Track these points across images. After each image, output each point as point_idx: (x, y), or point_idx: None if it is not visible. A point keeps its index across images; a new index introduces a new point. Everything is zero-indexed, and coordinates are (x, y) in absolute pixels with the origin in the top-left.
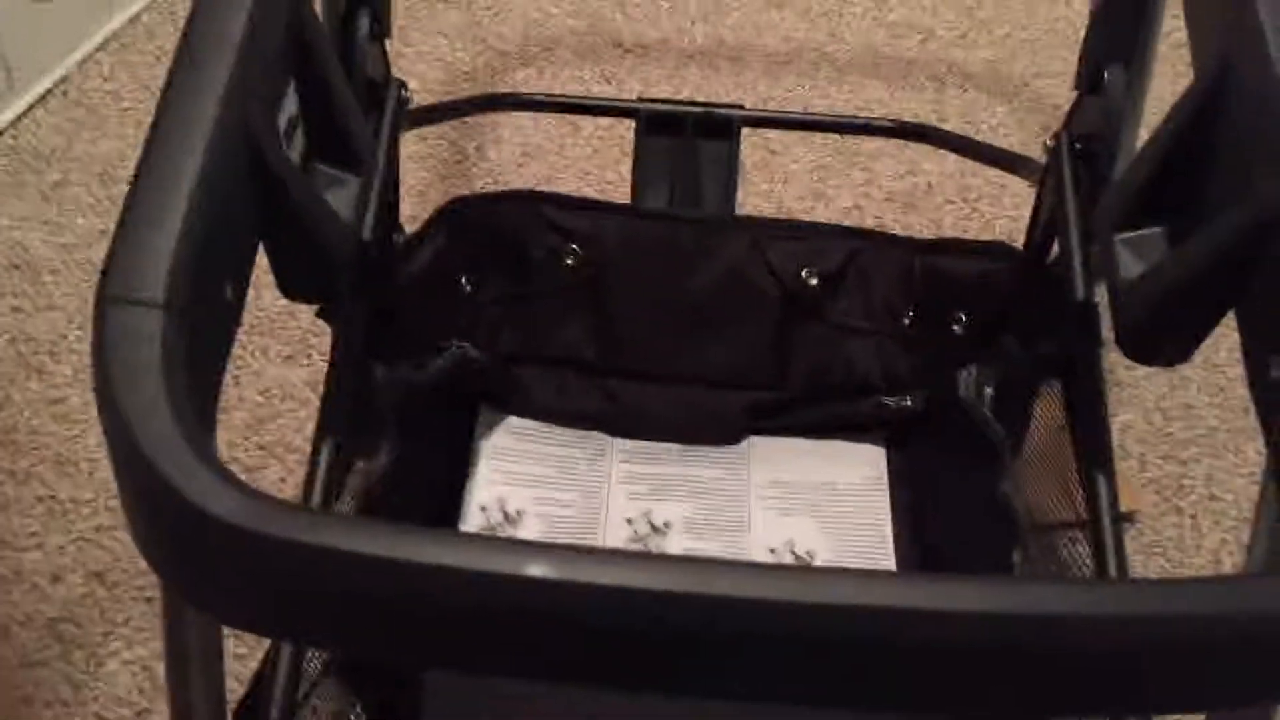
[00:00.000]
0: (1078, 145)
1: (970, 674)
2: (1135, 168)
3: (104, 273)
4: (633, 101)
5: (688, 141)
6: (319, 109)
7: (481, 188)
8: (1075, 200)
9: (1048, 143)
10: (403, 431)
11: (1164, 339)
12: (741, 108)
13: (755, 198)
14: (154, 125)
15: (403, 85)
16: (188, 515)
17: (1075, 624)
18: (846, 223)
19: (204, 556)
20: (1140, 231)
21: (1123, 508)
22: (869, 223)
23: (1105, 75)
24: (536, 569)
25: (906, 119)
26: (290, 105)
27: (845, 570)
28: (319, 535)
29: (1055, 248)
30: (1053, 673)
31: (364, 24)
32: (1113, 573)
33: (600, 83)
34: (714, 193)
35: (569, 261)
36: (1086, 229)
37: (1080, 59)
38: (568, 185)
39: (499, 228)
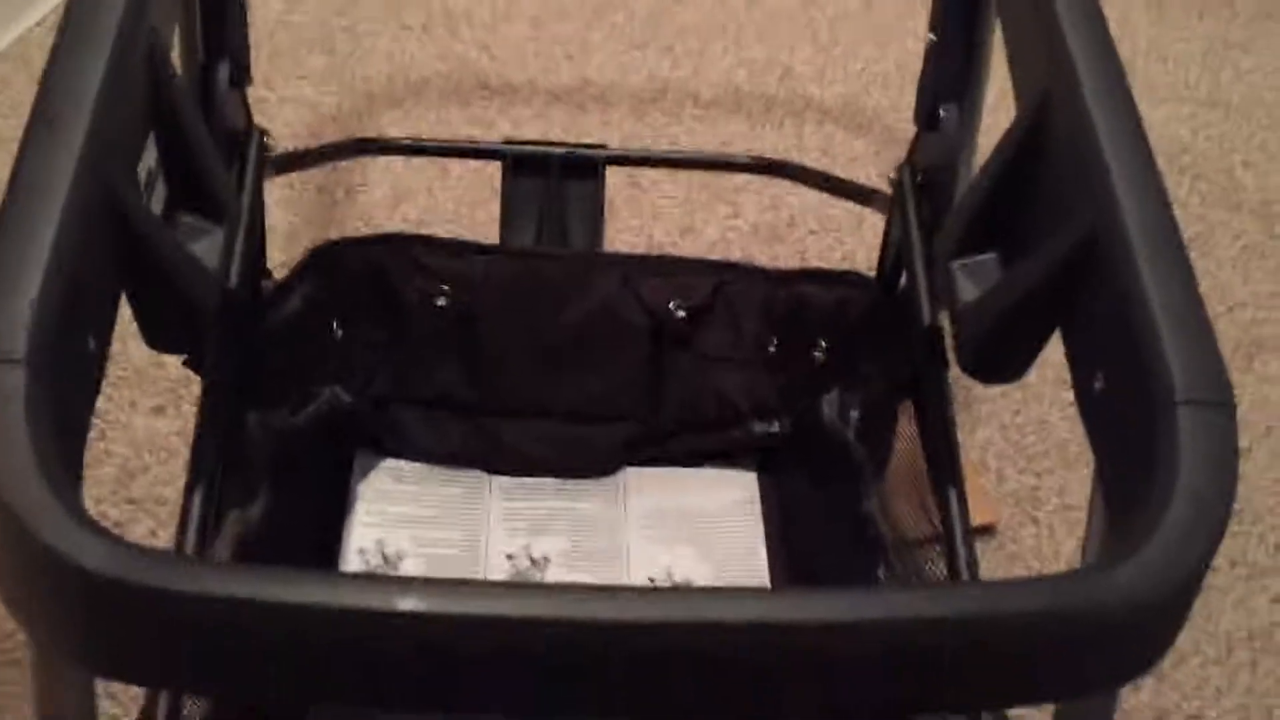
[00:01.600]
0: (919, 178)
1: (822, 680)
2: (968, 197)
3: None
4: (498, 144)
5: (554, 182)
6: (179, 160)
7: (352, 231)
8: (919, 230)
9: (891, 176)
10: (277, 478)
11: (998, 357)
12: (605, 147)
13: (625, 233)
14: (11, 182)
15: (264, 133)
16: (58, 569)
17: (900, 626)
18: (714, 255)
19: (76, 610)
20: (976, 257)
21: (983, 520)
22: (735, 255)
23: (941, 112)
24: (407, 603)
25: (767, 154)
26: (150, 156)
27: (674, 590)
28: (190, 582)
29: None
30: (895, 674)
31: (223, 73)
32: (964, 570)
33: (468, 125)
34: (581, 231)
35: (440, 303)
36: (930, 257)
37: (917, 97)
38: (439, 226)
39: (369, 271)
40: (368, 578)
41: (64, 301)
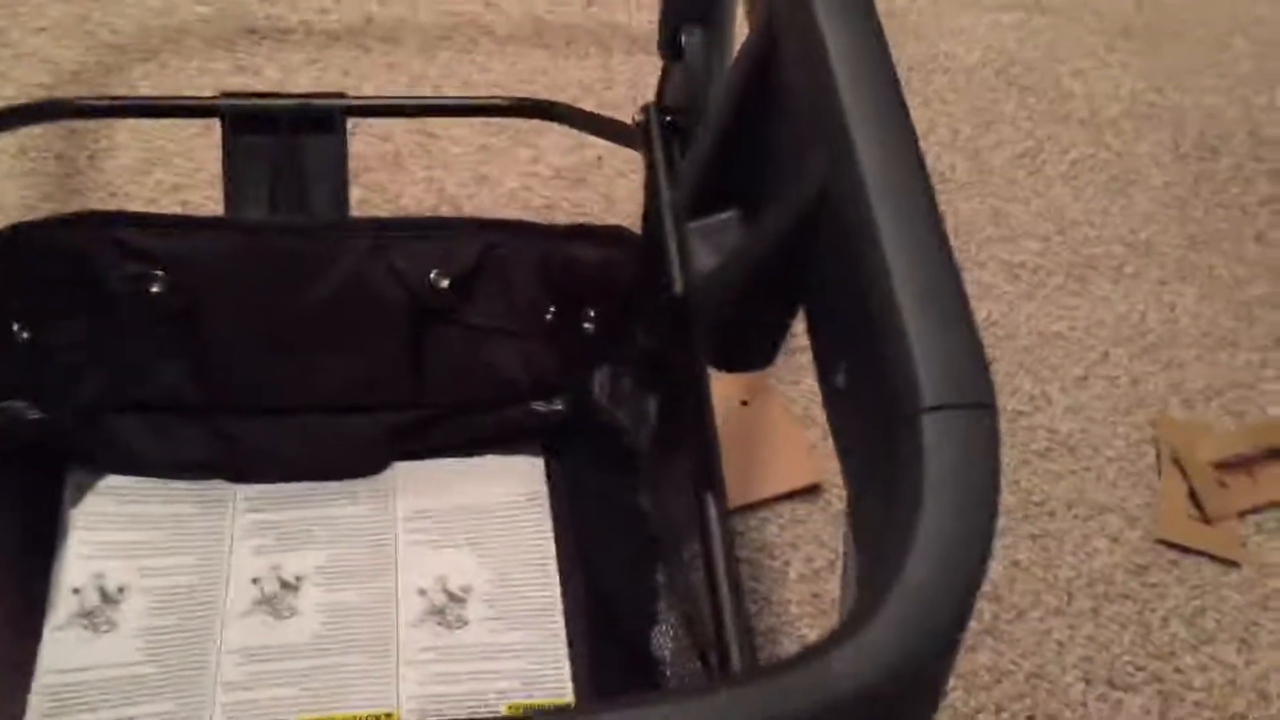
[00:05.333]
0: (669, 118)
1: None
2: (701, 141)
3: None
4: (214, 99)
5: (285, 139)
6: None
7: (98, 203)
8: (668, 180)
9: (636, 116)
10: None
11: (737, 342)
12: (344, 96)
13: (413, 187)
14: None
15: None
16: None
17: None
18: (513, 206)
19: None
20: (714, 217)
21: (806, 481)
22: (537, 203)
23: (684, 38)
24: None
25: (572, 89)
26: None
27: None
28: None
29: None
30: None
31: None
32: (724, 590)
33: (235, 74)
34: (322, 195)
35: (155, 289)
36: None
37: (660, 20)
38: (199, 193)
39: (61, 258)
40: None
41: None
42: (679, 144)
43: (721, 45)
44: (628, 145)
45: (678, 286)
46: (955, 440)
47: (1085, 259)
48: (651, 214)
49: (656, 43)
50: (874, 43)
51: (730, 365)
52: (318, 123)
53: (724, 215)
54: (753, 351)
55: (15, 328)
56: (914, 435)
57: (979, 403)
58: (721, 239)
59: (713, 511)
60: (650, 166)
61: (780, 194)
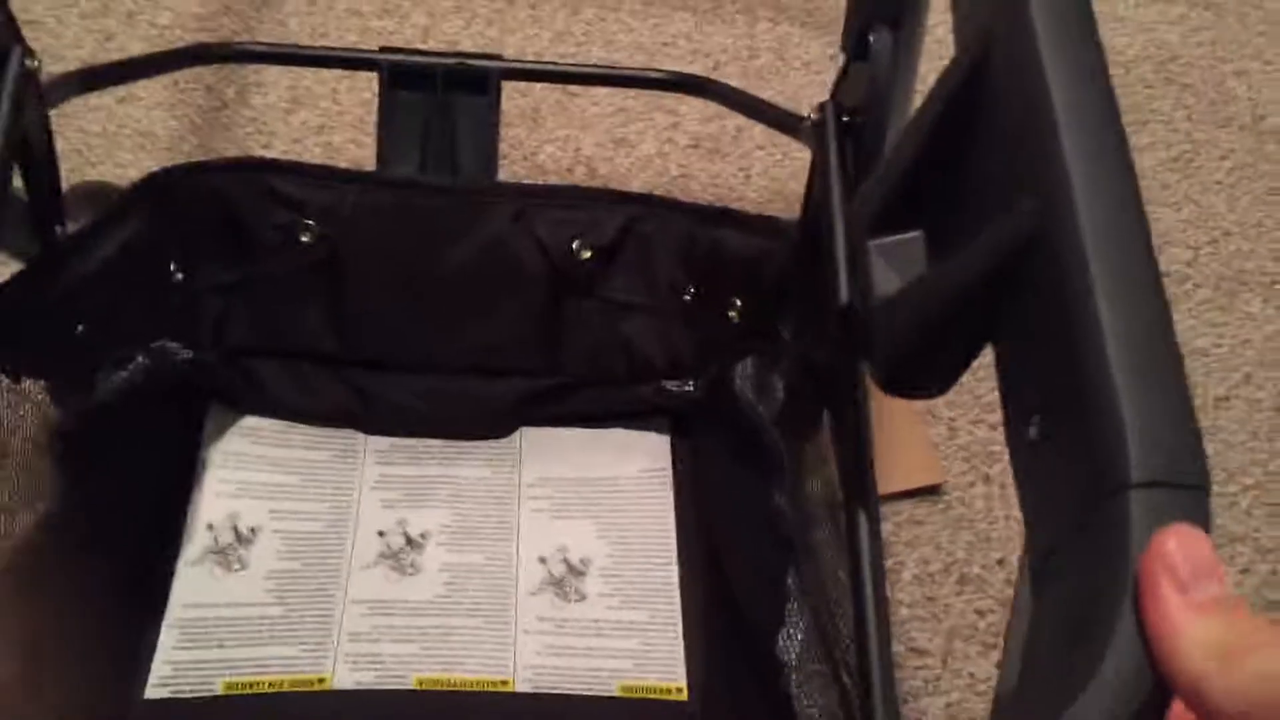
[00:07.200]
0: (845, 119)
1: None
2: (892, 160)
3: None
4: (373, 52)
5: (439, 98)
6: None
7: (243, 139)
8: (841, 183)
9: (812, 115)
10: (82, 461)
11: (915, 369)
12: (500, 58)
13: (550, 145)
14: None
15: (27, 53)
16: None
17: None
18: (648, 171)
19: None
20: (898, 236)
21: (927, 482)
22: (673, 172)
23: (872, 39)
24: None
25: (715, 55)
26: None
27: None
28: None
29: None
30: None
31: None
32: (871, 626)
33: (381, 17)
34: (471, 157)
35: (304, 239)
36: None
37: (846, 15)
38: (343, 135)
39: (215, 203)
40: None
41: None
42: (851, 144)
43: (910, 50)
44: (791, 135)
45: (843, 296)
46: (1165, 524)
47: (1235, 273)
48: (815, 215)
49: (841, 36)
50: (1099, 82)
51: (901, 391)
52: (472, 83)
53: (908, 235)
54: (928, 382)
55: (172, 268)
56: (1119, 511)
57: (1193, 484)
58: (904, 261)
59: (864, 528)
60: (821, 165)
61: (981, 227)
